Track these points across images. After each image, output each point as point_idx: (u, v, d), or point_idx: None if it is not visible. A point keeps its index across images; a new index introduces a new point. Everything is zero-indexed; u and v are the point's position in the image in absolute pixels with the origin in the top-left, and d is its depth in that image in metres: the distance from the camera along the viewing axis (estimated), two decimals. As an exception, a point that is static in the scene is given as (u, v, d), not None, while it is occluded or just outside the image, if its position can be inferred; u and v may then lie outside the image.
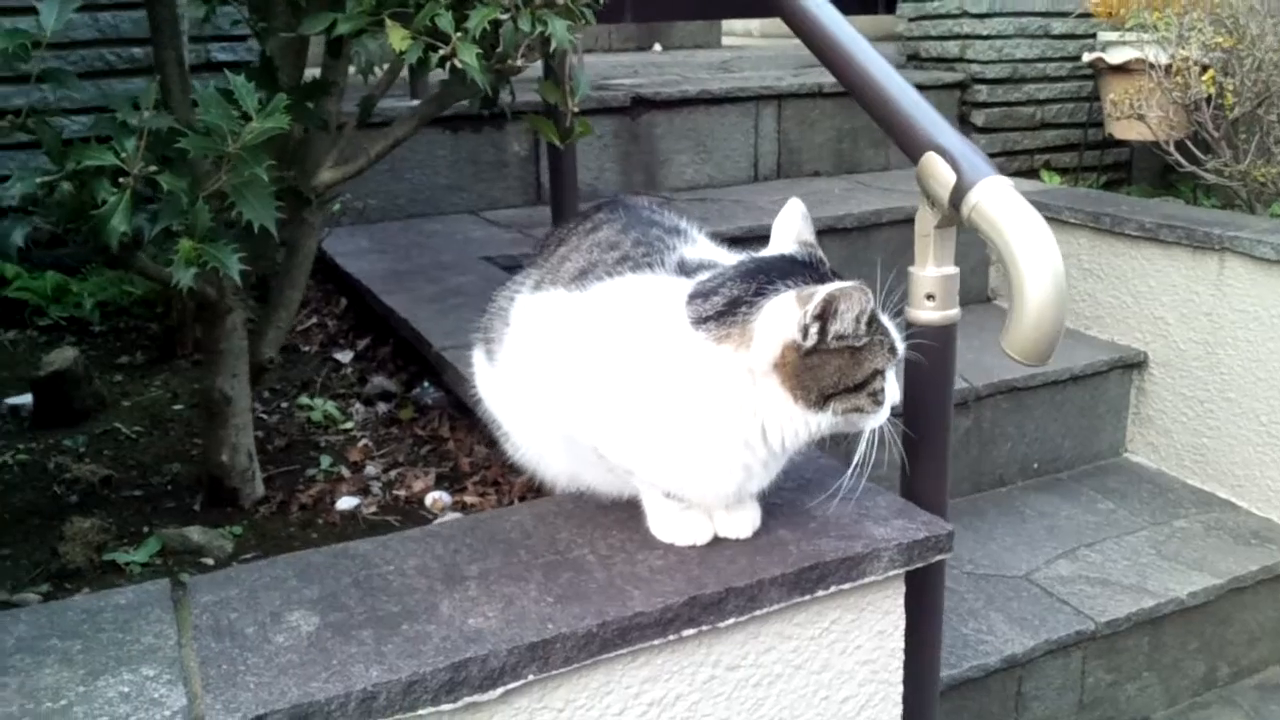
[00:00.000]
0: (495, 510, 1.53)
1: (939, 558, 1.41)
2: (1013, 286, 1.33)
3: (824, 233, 3.20)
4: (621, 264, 1.36)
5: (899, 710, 1.47)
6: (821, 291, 1.18)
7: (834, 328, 1.20)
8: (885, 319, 1.26)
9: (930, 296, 1.48)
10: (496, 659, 1.16)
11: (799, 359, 1.21)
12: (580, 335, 1.32)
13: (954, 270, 1.49)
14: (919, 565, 1.40)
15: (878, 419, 1.28)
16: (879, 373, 1.24)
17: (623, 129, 3.53)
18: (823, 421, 1.25)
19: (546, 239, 1.56)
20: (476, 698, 1.16)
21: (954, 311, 1.50)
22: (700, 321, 1.24)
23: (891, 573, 1.39)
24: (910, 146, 1.44)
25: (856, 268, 3.39)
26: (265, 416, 2.25)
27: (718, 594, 1.27)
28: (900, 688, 1.47)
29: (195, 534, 1.71)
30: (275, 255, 1.78)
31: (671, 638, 1.26)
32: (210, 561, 1.68)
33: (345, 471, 1.99)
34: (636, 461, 1.32)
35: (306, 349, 2.64)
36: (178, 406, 2.33)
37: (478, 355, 1.56)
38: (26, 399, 2.27)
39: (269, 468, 2.00)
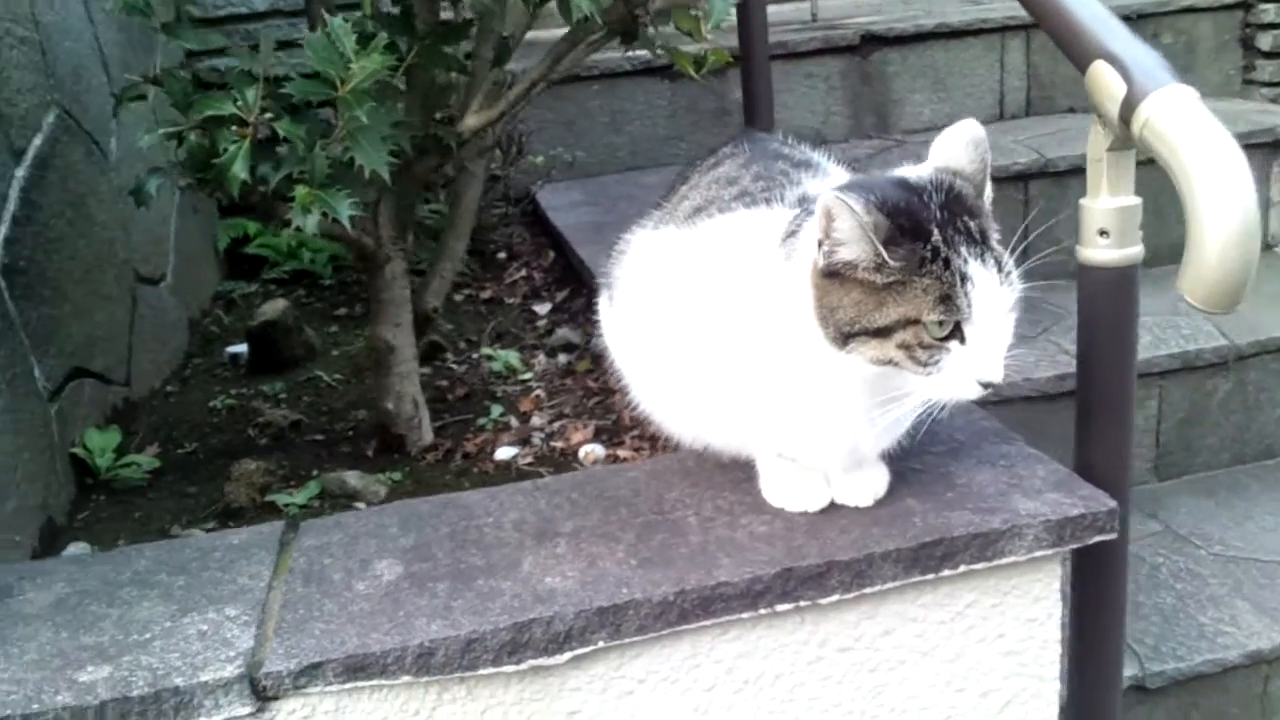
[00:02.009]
0: (614, 466, 1.46)
1: (1100, 539, 1.22)
2: (1189, 218, 1.11)
3: (1069, 173, 2.91)
4: (738, 200, 1.25)
5: (1054, 710, 1.29)
6: (825, 199, 1.03)
7: (841, 252, 1.04)
8: (976, 266, 1.04)
9: (1104, 233, 1.27)
10: (562, 622, 1.10)
11: (821, 280, 1.07)
12: (681, 272, 1.23)
13: (1133, 201, 1.27)
14: (1073, 546, 1.22)
15: (934, 388, 1.07)
16: (913, 323, 1.04)
17: (851, 69, 3.34)
18: (855, 367, 1.08)
19: (675, 179, 1.47)
20: (542, 661, 1.11)
21: (1133, 251, 1.28)
22: (783, 239, 1.13)
23: (1039, 553, 1.21)
24: (1078, 55, 1.23)
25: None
26: (455, 366, 2.28)
27: (816, 567, 1.15)
28: (1056, 684, 1.29)
29: (352, 479, 1.74)
30: (413, 205, 1.77)
31: (763, 611, 1.15)
32: (363, 506, 1.70)
33: (514, 421, 1.97)
34: (735, 408, 1.21)
35: (510, 301, 2.67)
36: (381, 356, 2.40)
37: (602, 301, 1.49)
38: (244, 348, 2.41)
39: (445, 416, 2.02)
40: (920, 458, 1.32)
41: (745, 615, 1.15)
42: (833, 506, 1.25)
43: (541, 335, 2.39)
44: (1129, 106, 1.17)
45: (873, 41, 3.33)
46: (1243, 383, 2.57)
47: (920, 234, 1.04)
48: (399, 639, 1.08)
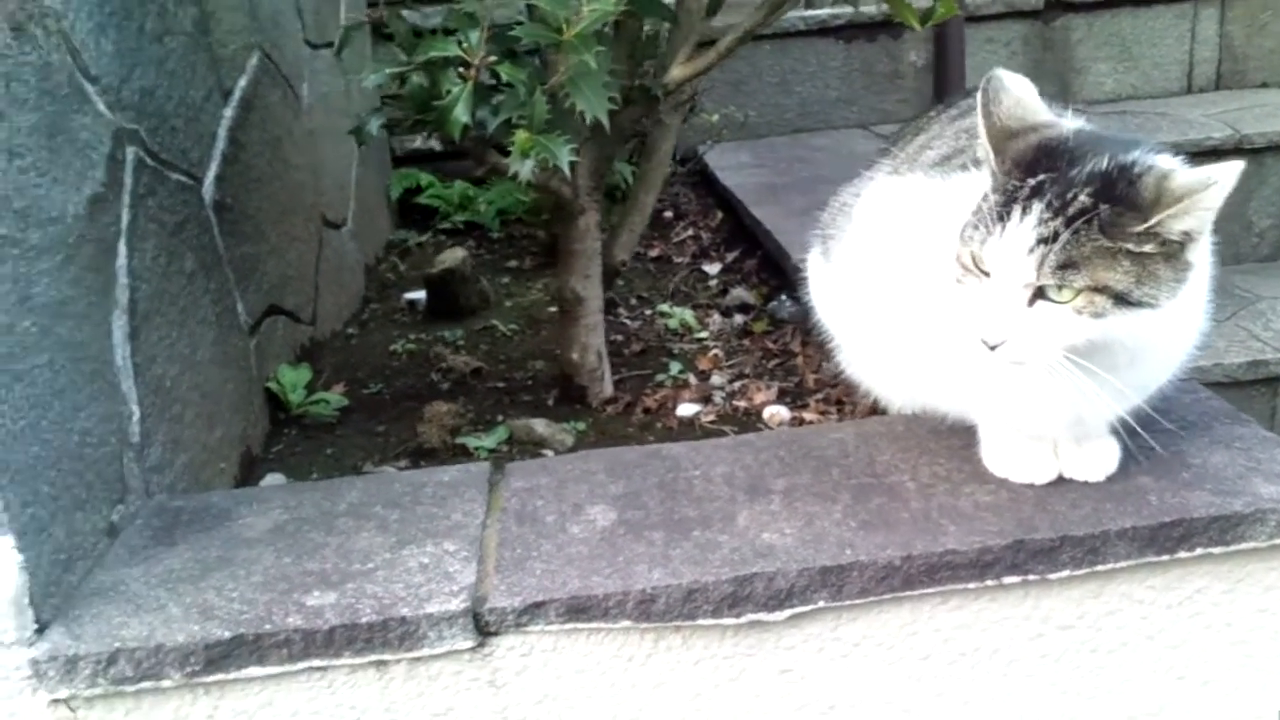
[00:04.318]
0: (817, 426, 1.44)
1: (1348, 530, 1.15)
2: None
3: (1266, 150, 2.76)
4: None
5: (1277, 705, 1.23)
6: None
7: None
8: (1023, 224, 1.00)
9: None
10: (784, 579, 1.08)
11: None
12: (932, 220, 1.18)
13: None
14: (1319, 536, 1.15)
15: (958, 315, 1.07)
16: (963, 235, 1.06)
17: (1033, 35, 3.23)
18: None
19: (903, 129, 1.44)
20: (761, 616, 1.09)
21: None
22: None
23: (1278, 540, 1.15)
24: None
25: (1306, 193, 2.82)
26: (628, 322, 2.29)
27: (1049, 541, 1.11)
28: (1284, 679, 1.22)
29: (540, 426, 1.76)
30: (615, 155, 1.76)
31: (990, 583, 1.12)
32: (550, 453, 1.72)
33: (692, 379, 1.97)
34: (963, 366, 1.16)
35: (679, 260, 2.65)
36: (553, 309, 2.42)
37: (813, 256, 1.46)
38: (422, 294, 2.45)
39: (622, 370, 2.02)
40: (1149, 436, 1.26)
41: (971, 585, 1.11)
42: (1059, 480, 1.20)
43: (714, 295, 2.38)
44: None
45: (1057, 6, 3.22)
46: None
47: (1029, 171, 1.03)
48: (621, 584, 1.08)
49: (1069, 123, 1.10)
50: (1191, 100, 3.22)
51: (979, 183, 1.14)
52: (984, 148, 1.08)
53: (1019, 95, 1.10)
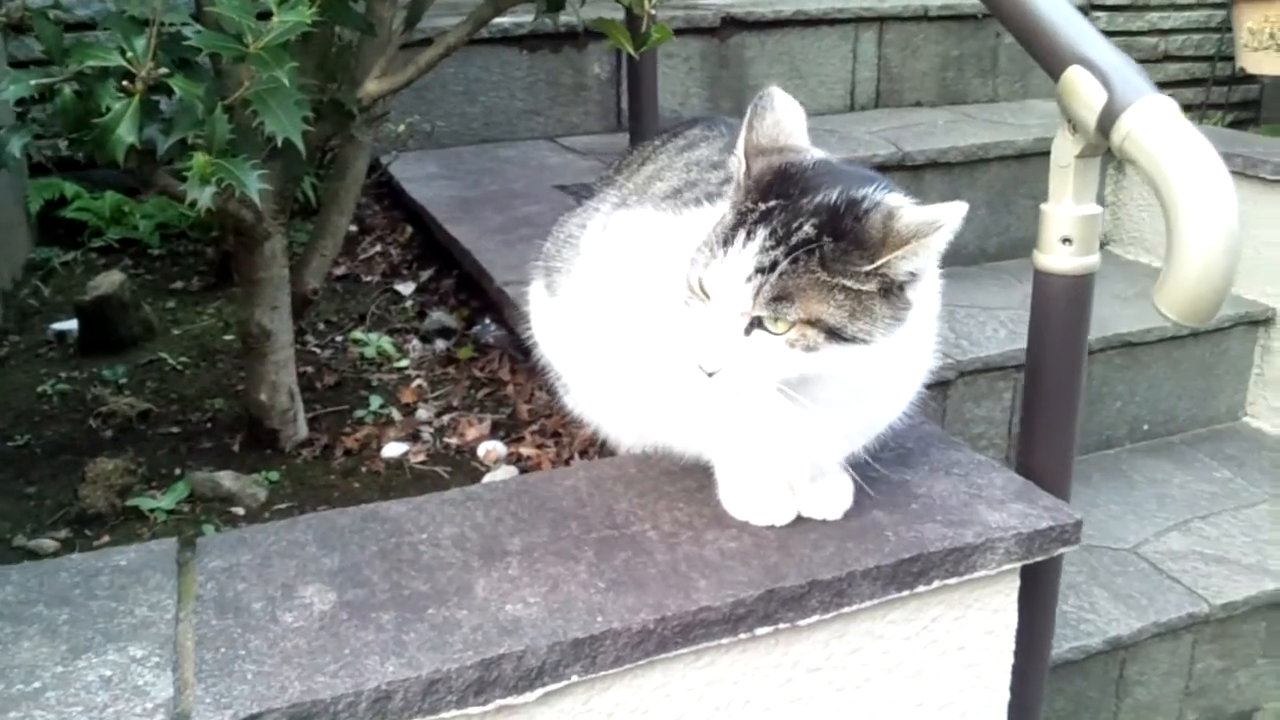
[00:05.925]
0: (547, 472, 1.35)
1: (1062, 550, 1.21)
2: (1172, 232, 1.10)
3: (926, 167, 2.96)
4: (727, 185, 1.16)
5: (1003, 718, 1.28)
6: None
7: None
8: (745, 250, 0.98)
9: (1066, 240, 1.26)
10: (535, 656, 0.99)
11: None
12: (668, 258, 1.12)
13: (1096, 210, 1.26)
14: (1039, 558, 1.20)
15: (677, 339, 1.05)
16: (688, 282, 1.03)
17: (710, 51, 3.29)
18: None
19: (625, 158, 1.38)
20: (510, 700, 1.00)
21: (1093, 259, 1.27)
22: None
23: (1006, 566, 1.18)
24: (1050, 60, 1.20)
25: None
26: (318, 350, 2.11)
27: (799, 588, 1.08)
28: (1006, 694, 1.27)
29: (227, 480, 1.57)
30: (305, 174, 1.60)
31: (743, 636, 1.08)
32: (240, 511, 1.53)
33: (396, 414, 1.83)
34: (705, 407, 1.12)
35: (368, 279, 2.49)
36: (228, 337, 2.19)
37: (536, 289, 1.38)
38: (73, 325, 2.15)
39: (316, 406, 1.85)
40: (872, 465, 1.27)
41: (724, 640, 1.07)
42: (799, 520, 1.18)
43: (411, 318, 2.24)
44: (1109, 116, 1.15)
45: (732, 24, 3.30)
46: (1089, 377, 2.68)
47: (764, 195, 1.01)
48: (350, 682, 0.95)
49: (815, 153, 1.08)
50: (855, 117, 3.40)
51: (713, 219, 1.10)
52: (738, 160, 1.04)
53: (780, 116, 1.08)
